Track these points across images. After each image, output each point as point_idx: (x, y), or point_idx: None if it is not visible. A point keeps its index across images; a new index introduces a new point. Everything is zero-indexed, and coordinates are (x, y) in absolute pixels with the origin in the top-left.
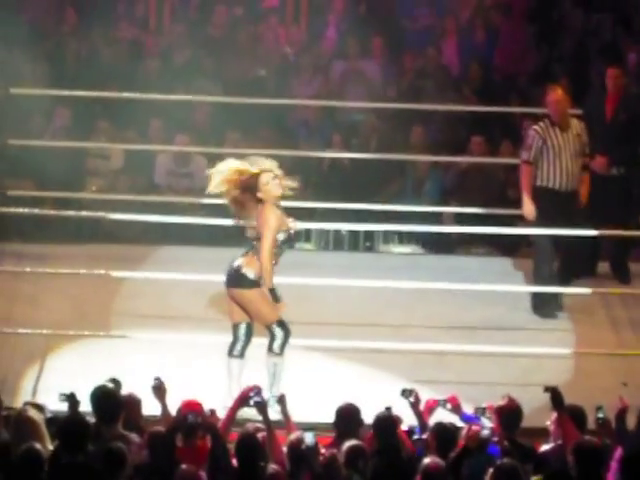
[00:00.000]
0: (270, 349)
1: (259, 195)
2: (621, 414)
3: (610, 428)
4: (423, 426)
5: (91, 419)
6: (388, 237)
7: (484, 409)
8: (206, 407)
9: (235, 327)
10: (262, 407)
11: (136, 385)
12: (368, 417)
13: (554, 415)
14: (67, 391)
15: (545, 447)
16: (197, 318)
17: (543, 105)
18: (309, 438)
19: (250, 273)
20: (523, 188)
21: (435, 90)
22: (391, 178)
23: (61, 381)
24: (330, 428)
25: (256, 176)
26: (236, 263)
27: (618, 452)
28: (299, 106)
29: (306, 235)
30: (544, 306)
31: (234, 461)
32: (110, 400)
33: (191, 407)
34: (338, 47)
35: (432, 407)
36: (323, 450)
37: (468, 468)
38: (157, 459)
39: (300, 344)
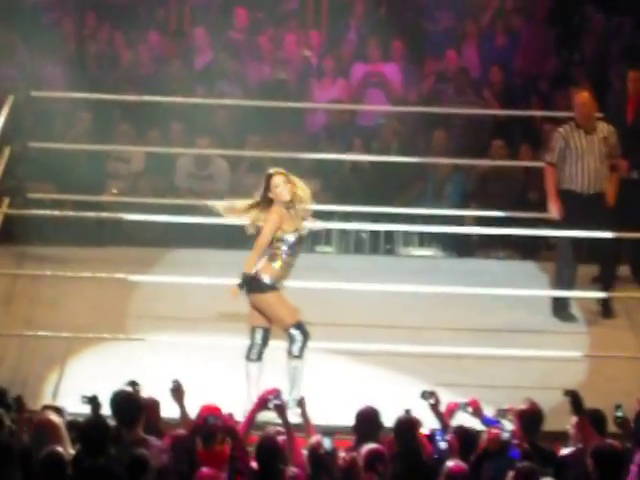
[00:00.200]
0: (290, 352)
1: (270, 195)
2: None
3: (629, 427)
4: (445, 428)
5: (111, 422)
6: (409, 240)
7: (506, 411)
8: (225, 411)
9: (252, 331)
10: (282, 410)
11: (155, 388)
12: (388, 420)
13: (574, 419)
14: (89, 393)
15: (565, 451)
16: (216, 321)
17: (564, 108)
18: (327, 443)
19: (266, 277)
20: (548, 189)
21: (456, 93)
22: (412, 181)
23: (81, 384)
24: (350, 431)
25: (269, 177)
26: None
27: (638, 456)
28: (320, 109)
29: (327, 238)
30: (564, 309)
31: (254, 464)
32: (131, 404)
33: (210, 411)
34: (359, 50)
35: (453, 410)
36: (343, 454)
37: (488, 471)
38: (178, 462)
39: (320, 347)
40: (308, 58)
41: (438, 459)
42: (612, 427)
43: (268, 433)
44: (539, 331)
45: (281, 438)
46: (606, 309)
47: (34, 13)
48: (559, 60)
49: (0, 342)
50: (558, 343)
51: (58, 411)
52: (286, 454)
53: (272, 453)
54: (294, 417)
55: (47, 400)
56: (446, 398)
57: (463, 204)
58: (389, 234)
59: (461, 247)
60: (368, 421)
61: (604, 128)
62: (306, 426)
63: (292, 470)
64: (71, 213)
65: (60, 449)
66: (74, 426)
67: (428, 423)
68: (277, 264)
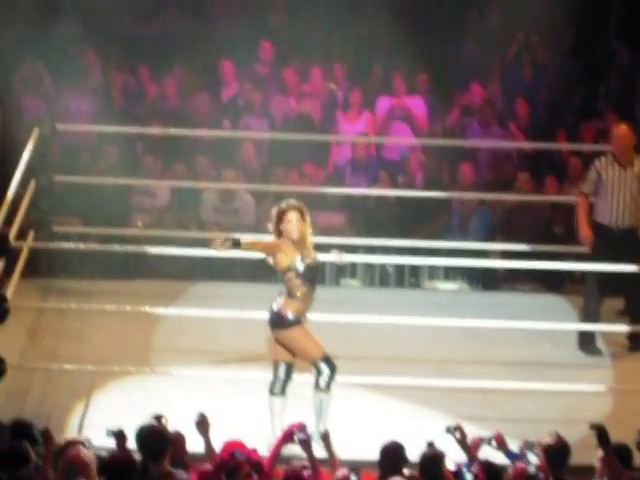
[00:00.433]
0: (317, 385)
1: (281, 227)
2: None
3: None
4: (471, 461)
5: (137, 456)
6: (434, 273)
7: (533, 444)
8: (249, 445)
9: (275, 365)
10: (307, 444)
11: (180, 421)
12: (413, 454)
13: (600, 452)
14: (114, 427)
15: None
16: (242, 354)
17: (589, 141)
18: (353, 478)
19: (289, 314)
20: (578, 218)
21: (481, 127)
22: (437, 214)
23: (106, 417)
24: (374, 466)
25: (284, 212)
26: (275, 306)
27: None
28: (345, 142)
29: (352, 271)
30: (590, 342)
31: None
32: (157, 437)
33: (235, 446)
34: (384, 83)
35: (478, 444)
36: None
37: None
38: None
39: (345, 381)
40: (334, 91)
41: None
42: (638, 460)
43: (294, 467)
44: (564, 364)
45: (306, 472)
46: (633, 342)
47: (60, 45)
48: (585, 93)
49: (25, 375)
50: (583, 376)
51: (82, 444)
52: None
53: None
54: (320, 451)
55: (72, 433)
56: (471, 432)
57: (488, 237)
58: (414, 267)
59: (486, 280)
60: (393, 456)
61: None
62: (331, 460)
63: None
64: (96, 246)
65: None
66: (99, 460)
67: (453, 457)
68: (296, 298)
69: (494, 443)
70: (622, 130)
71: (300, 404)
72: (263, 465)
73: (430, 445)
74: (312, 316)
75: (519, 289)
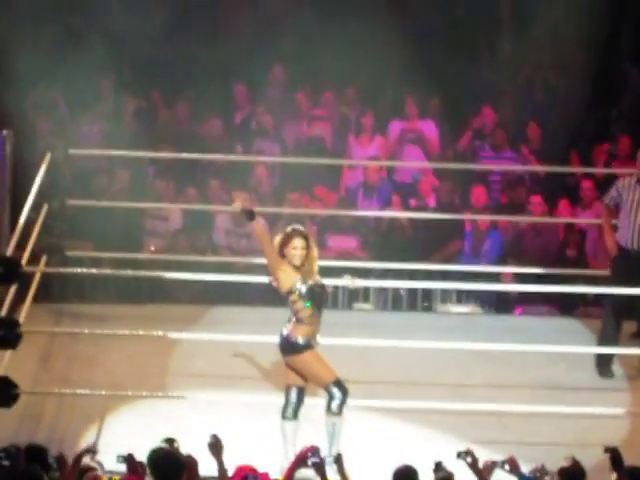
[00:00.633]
0: (329, 409)
1: (285, 251)
2: None
3: None
4: None
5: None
6: (446, 297)
7: (546, 470)
8: (261, 470)
9: (287, 390)
10: (320, 468)
11: (193, 445)
12: (426, 478)
13: (614, 476)
14: (124, 453)
15: None
16: (255, 379)
17: (602, 164)
18: None
19: (300, 338)
20: (604, 228)
21: (493, 150)
22: (450, 238)
23: (119, 442)
24: None
25: (290, 237)
26: (284, 332)
27: None
28: (357, 166)
29: (364, 295)
30: (606, 365)
31: None
32: (171, 461)
33: (247, 470)
34: (396, 107)
35: (490, 467)
36: None
37: None
38: None
39: (358, 404)
40: (345, 115)
41: None
42: None
43: None
44: (578, 387)
45: None
46: None
47: (74, 69)
48: (597, 116)
49: (38, 400)
50: (598, 400)
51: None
52: None
53: None
54: (333, 475)
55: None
56: (485, 455)
57: (501, 261)
58: (427, 291)
59: (499, 304)
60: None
61: None
62: None
63: None
64: (109, 271)
65: None
66: None
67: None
68: (304, 321)
69: (507, 467)
70: None
71: (313, 427)
72: None
73: (439, 465)
74: (324, 340)
75: (532, 312)
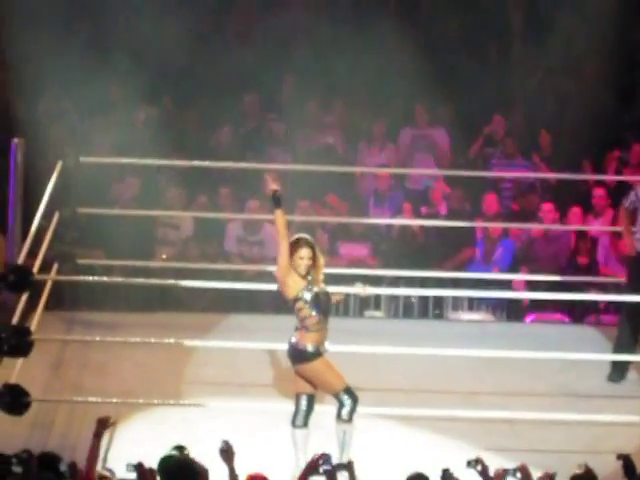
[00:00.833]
0: (339, 416)
1: (291, 260)
2: None
3: None
4: None
5: None
6: (458, 304)
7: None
8: (272, 478)
9: (297, 397)
10: (332, 475)
11: (203, 453)
12: None
13: None
14: (134, 461)
15: None
16: (266, 386)
17: (614, 171)
18: None
19: (309, 346)
20: (624, 228)
21: (504, 157)
22: (461, 245)
23: (131, 450)
24: None
25: (296, 246)
26: (293, 340)
27: None
28: (369, 173)
29: (376, 303)
30: (621, 372)
31: None
32: (186, 470)
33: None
34: (406, 115)
35: (502, 475)
36: None
37: None
38: None
39: (370, 412)
40: (357, 122)
41: None
42: None
43: None
44: (590, 395)
45: None
46: None
47: (85, 77)
48: (609, 123)
49: (50, 408)
50: (610, 407)
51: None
52: None
53: None
54: None
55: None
56: (497, 462)
57: (512, 268)
58: (438, 298)
59: (510, 311)
60: None
61: None
62: None
63: None
64: (120, 279)
65: None
66: None
67: None
68: (311, 329)
69: (518, 475)
70: None
71: (323, 435)
72: None
73: (446, 473)
74: (336, 347)
75: (544, 320)
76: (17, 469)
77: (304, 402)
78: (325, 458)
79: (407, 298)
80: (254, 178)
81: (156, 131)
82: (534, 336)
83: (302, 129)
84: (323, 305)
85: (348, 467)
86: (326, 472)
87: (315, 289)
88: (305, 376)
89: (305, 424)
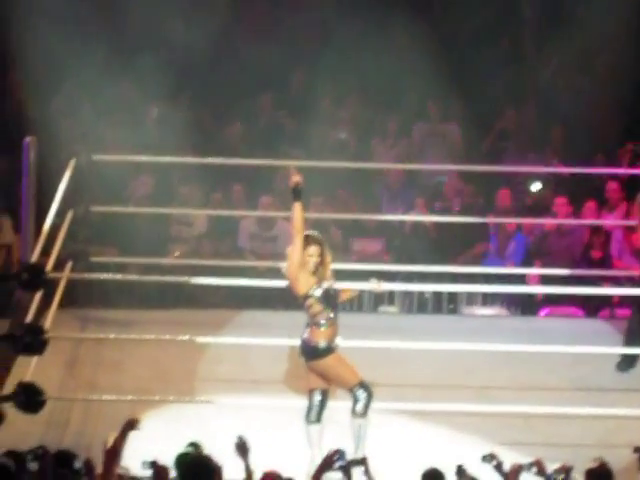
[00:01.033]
0: (354, 411)
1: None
2: None
3: None
4: None
5: None
6: (472, 299)
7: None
8: (287, 474)
9: (310, 393)
10: (347, 471)
11: (218, 450)
12: None
13: None
14: (149, 458)
15: None
16: (280, 382)
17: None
18: None
19: (321, 342)
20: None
21: (517, 151)
22: (475, 240)
23: (146, 447)
24: None
25: (305, 243)
26: (305, 337)
27: None
28: (381, 169)
29: (389, 298)
30: (630, 365)
31: None
32: (203, 466)
33: (273, 477)
34: (419, 110)
35: (517, 470)
36: None
37: None
38: None
39: (385, 407)
40: (369, 118)
41: None
42: None
43: None
44: (604, 388)
45: None
46: None
47: (98, 75)
48: (622, 117)
49: (65, 406)
50: (624, 401)
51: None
52: None
53: None
54: (359, 477)
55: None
56: (512, 457)
57: (526, 262)
58: (452, 293)
59: (524, 305)
60: None
61: None
62: None
63: None
64: (134, 277)
65: None
66: None
67: None
68: (322, 325)
69: (534, 469)
70: None
71: (338, 430)
72: None
73: (460, 469)
74: (350, 342)
75: (558, 314)
76: (33, 465)
77: (317, 398)
78: (340, 454)
79: (421, 293)
80: (267, 175)
81: (169, 128)
82: (548, 330)
83: (315, 125)
84: (333, 301)
85: (363, 462)
86: (341, 468)
87: (325, 285)
88: (318, 372)
89: (319, 420)
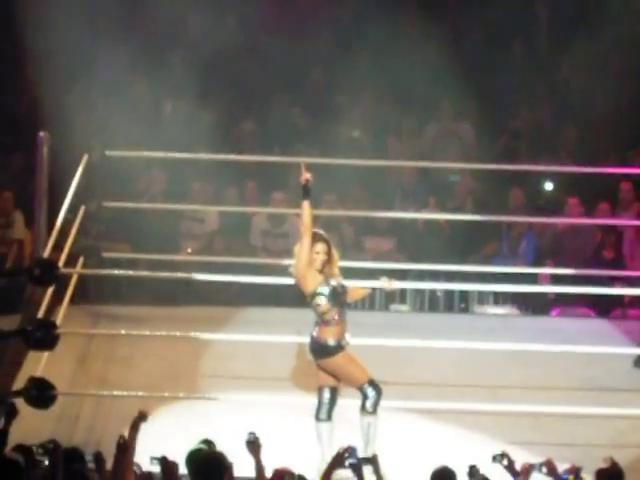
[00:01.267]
0: (363, 409)
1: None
2: None
3: None
4: None
5: None
6: (483, 298)
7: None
8: (297, 471)
9: (320, 391)
10: (358, 468)
11: (227, 447)
12: None
13: None
14: (158, 454)
15: None
16: (290, 380)
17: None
18: None
19: (330, 340)
20: None
21: (530, 151)
22: (487, 239)
23: (156, 443)
24: None
25: (314, 239)
26: (314, 335)
27: None
28: (394, 167)
29: (401, 297)
30: None
31: None
32: (215, 463)
33: (284, 473)
34: (432, 108)
35: (528, 470)
36: None
37: None
38: None
39: (396, 405)
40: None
41: None
42: None
43: None
44: (615, 388)
45: None
46: None
47: (111, 71)
48: (637, 117)
49: (75, 401)
50: (635, 401)
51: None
52: None
53: None
54: (368, 475)
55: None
56: (522, 456)
57: (538, 262)
58: (464, 292)
59: (536, 305)
60: None
61: None
62: None
63: None
64: (146, 273)
65: None
66: None
67: None
68: (331, 323)
69: (544, 469)
70: None
71: (348, 428)
72: None
73: (473, 469)
74: (362, 341)
75: (569, 313)
76: (43, 459)
77: (327, 395)
78: (351, 451)
79: (433, 292)
80: (281, 173)
81: (182, 124)
82: (559, 330)
83: (329, 123)
84: (340, 299)
85: (373, 461)
86: (352, 465)
87: (332, 283)
88: (328, 370)
89: (329, 417)
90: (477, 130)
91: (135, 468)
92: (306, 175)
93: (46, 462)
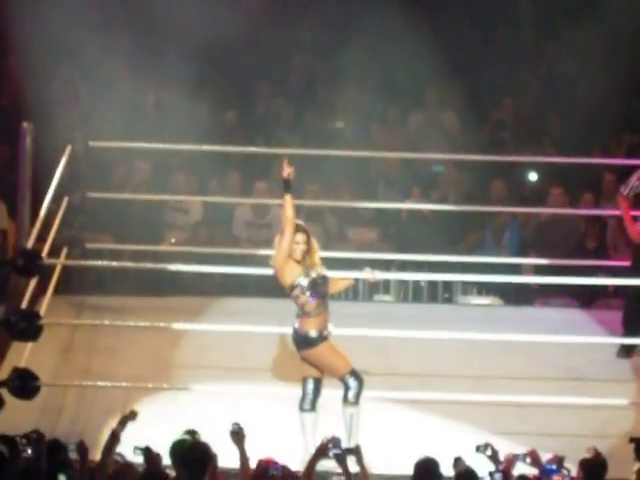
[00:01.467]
0: (345, 399)
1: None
2: None
3: None
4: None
5: (170, 472)
6: (467, 289)
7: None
8: (281, 462)
9: (304, 381)
10: (342, 459)
11: (211, 438)
12: (447, 470)
13: (637, 466)
14: (142, 445)
15: None
16: (274, 370)
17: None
18: None
19: (312, 331)
20: (625, 219)
21: (514, 141)
22: (470, 230)
23: (140, 434)
24: None
25: (293, 230)
26: (296, 326)
27: None
28: (378, 158)
29: (385, 287)
30: (627, 354)
31: None
32: (199, 453)
33: (269, 463)
34: (416, 98)
35: (511, 461)
36: None
37: None
38: None
39: (379, 396)
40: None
41: None
42: None
43: None
44: (598, 379)
45: None
46: None
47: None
48: (619, 107)
49: (59, 392)
50: (618, 390)
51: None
52: None
53: None
54: (351, 465)
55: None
56: (506, 447)
57: (521, 252)
58: (447, 283)
59: (520, 295)
60: (427, 472)
61: None
62: (362, 475)
63: None
64: (129, 264)
65: None
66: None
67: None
68: (312, 314)
69: (528, 460)
70: None
71: (332, 418)
72: None
73: (457, 459)
74: (345, 331)
75: (553, 304)
76: (27, 450)
77: (310, 386)
78: (335, 442)
79: (416, 282)
80: (264, 163)
81: (166, 114)
82: (543, 320)
83: (312, 113)
84: (320, 290)
85: (356, 451)
86: (336, 456)
87: (312, 274)
88: (311, 361)
89: (313, 408)
90: (461, 119)
91: (118, 458)
92: (287, 169)
93: (30, 452)
